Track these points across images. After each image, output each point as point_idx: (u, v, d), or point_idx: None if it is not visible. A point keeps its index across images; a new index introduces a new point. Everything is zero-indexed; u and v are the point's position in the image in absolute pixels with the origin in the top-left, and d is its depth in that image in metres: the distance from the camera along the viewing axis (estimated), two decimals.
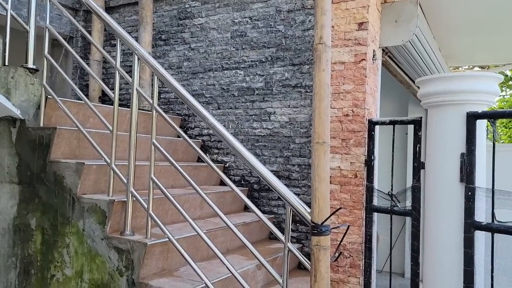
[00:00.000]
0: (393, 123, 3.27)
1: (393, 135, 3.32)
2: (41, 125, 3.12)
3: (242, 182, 4.03)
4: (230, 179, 3.93)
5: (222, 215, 2.42)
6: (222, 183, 4.14)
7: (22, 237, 3.10)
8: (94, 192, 2.96)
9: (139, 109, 3.85)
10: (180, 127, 4.42)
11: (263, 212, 3.88)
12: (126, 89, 4.74)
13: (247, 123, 4.04)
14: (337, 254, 3.26)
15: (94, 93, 4.60)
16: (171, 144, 3.95)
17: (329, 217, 1.93)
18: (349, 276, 3.47)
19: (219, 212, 2.44)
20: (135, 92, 2.75)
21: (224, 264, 2.36)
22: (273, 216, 3.89)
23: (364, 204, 3.41)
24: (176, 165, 2.62)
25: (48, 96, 3.18)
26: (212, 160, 4.21)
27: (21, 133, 3.17)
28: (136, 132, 2.77)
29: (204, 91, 4.30)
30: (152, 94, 2.71)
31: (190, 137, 4.34)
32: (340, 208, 3.35)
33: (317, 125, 1.96)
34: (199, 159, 4.29)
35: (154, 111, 2.69)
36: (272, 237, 3.89)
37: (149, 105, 4.48)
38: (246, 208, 4.03)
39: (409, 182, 3.74)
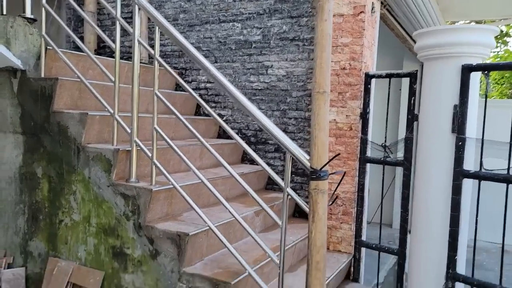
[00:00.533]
0: (389, 76, 3.34)
1: (389, 88, 3.40)
2: (42, 75, 3.14)
3: (239, 135, 4.13)
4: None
5: (225, 164, 2.53)
6: (220, 136, 4.24)
7: (29, 185, 3.21)
8: (98, 142, 3.05)
9: (141, 62, 3.86)
10: None
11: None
12: (121, 41, 4.70)
13: (244, 76, 4.07)
14: (334, 198, 3.43)
15: (89, 46, 4.56)
16: (169, 97, 3.99)
17: (328, 162, 2.05)
18: (341, 223, 3.67)
19: (222, 161, 2.55)
20: (136, 43, 2.77)
21: (227, 208, 2.50)
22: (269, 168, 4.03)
23: (358, 155, 3.55)
24: (179, 115, 2.70)
25: (48, 47, 3.18)
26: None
27: (22, 84, 3.19)
28: (138, 84, 2.81)
29: (201, 44, 4.28)
30: (154, 45, 2.73)
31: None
32: (339, 154, 3.49)
33: (318, 75, 2.03)
34: (197, 113, 4.36)
35: (156, 62, 2.72)
36: (268, 188, 4.05)
37: (145, 58, 4.48)
38: (243, 160, 4.16)
39: (402, 135, 3.87)
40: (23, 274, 3.18)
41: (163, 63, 2.71)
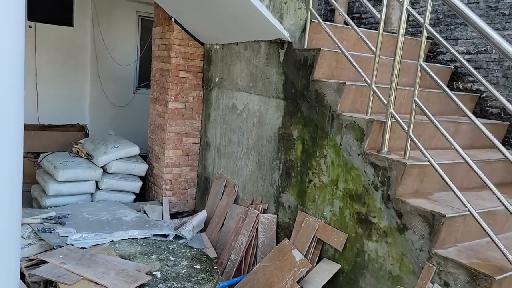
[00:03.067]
0: None
1: None
2: (305, 47, 3.43)
3: (502, 115, 3.59)
4: (487, 111, 3.56)
5: (499, 146, 2.24)
6: (475, 114, 3.79)
7: (285, 144, 3.63)
8: (350, 111, 3.16)
9: (386, 31, 3.78)
10: (429, 52, 4.16)
11: None
12: (370, 12, 4.70)
13: None
14: None
15: (339, 18, 4.72)
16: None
17: None
18: None
19: (496, 142, 2.26)
20: (404, 11, 2.68)
21: (495, 195, 2.23)
22: None
23: None
24: (446, 89, 2.51)
25: (312, 20, 3.43)
26: (465, 89, 3.86)
27: (287, 55, 3.57)
28: (401, 56, 2.74)
29: None
30: (425, 11, 2.58)
31: (440, 62, 4.05)
32: None
33: None
34: (448, 86, 4.00)
35: (425, 30, 2.57)
36: None
37: (396, 28, 4.33)
38: (504, 145, 3.62)
39: None
40: (274, 221, 3.68)
41: (433, 31, 2.54)
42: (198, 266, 2.80)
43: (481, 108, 3.77)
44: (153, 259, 2.83)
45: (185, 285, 2.53)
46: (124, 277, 2.43)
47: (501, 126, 3.60)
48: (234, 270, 3.67)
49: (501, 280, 2.18)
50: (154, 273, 2.63)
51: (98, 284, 2.36)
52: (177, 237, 3.64)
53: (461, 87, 3.96)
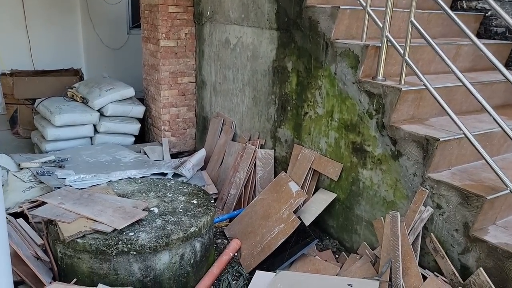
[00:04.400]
0: None
1: None
2: None
3: (507, 34, 3.41)
4: (491, 31, 3.38)
5: (499, 65, 2.13)
6: (479, 35, 3.61)
7: (279, 78, 3.53)
8: (345, 38, 3.02)
9: None
10: None
11: None
12: None
13: None
14: None
15: None
16: None
17: None
18: None
19: (496, 62, 2.15)
20: None
21: (492, 116, 2.16)
22: None
23: None
24: (445, 7, 2.34)
25: None
26: (469, 9, 3.65)
27: None
28: None
29: None
30: None
31: None
32: None
33: None
34: (451, 6, 3.78)
35: None
36: None
37: None
38: (508, 65, 3.49)
39: None
40: (272, 155, 3.68)
41: None
42: (195, 201, 2.85)
43: (485, 28, 3.57)
44: (151, 196, 2.88)
45: (182, 219, 2.58)
46: (121, 214, 2.48)
47: (505, 46, 3.43)
48: (234, 204, 3.75)
49: (493, 200, 2.18)
50: (151, 209, 2.68)
51: (96, 221, 2.42)
52: (176, 175, 3.68)
53: (465, 6, 3.74)
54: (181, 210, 2.70)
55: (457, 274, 2.28)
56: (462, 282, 2.24)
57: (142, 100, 5.21)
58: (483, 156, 2.21)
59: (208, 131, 4.62)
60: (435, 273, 2.40)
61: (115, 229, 2.38)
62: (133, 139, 4.95)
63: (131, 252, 2.34)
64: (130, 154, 4.03)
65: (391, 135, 2.64)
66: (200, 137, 4.96)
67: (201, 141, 4.93)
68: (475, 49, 3.23)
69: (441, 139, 2.35)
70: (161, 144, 4.83)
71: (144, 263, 2.40)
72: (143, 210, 2.60)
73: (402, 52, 2.58)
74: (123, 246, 2.33)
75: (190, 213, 2.67)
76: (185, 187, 3.09)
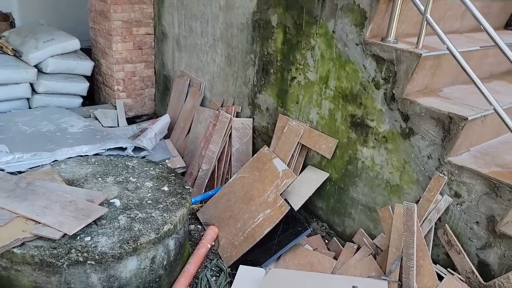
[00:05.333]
0: None
1: None
2: None
3: None
4: None
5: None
6: None
7: (261, 34, 2.96)
8: None
9: None
10: None
11: None
12: None
13: None
14: None
15: None
16: None
17: None
18: None
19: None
20: None
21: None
22: None
23: None
24: None
25: None
26: None
27: None
28: None
29: None
30: None
31: None
32: None
33: None
34: None
35: None
36: None
37: None
38: (509, 25, 3.15)
39: None
40: (250, 125, 3.19)
41: None
42: (166, 188, 2.33)
43: None
44: (110, 183, 2.32)
45: (152, 214, 2.07)
46: (72, 212, 1.92)
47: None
48: (207, 180, 3.27)
49: None
50: (112, 201, 2.14)
51: (39, 222, 1.85)
52: (137, 149, 3.10)
53: None
54: (149, 202, 2.18)
55: (476, 273, 2.00)
56: (484, 282, 1.96)
57: (89, 54, 4.42)
58: None
59: (171, 93, 4.00)
60: (448, 269, 2.12)
61: (65, 234, 1.84)
62: (80, 100, 4.23)
63: (89, 262, 1.83)
64: (79, 122, 3.36)
65: (402, 110, 2.23)
66: (161, 98, 4.32)
67: (162, 103, 4.30)
68: (484, 4, 2.85)
69: (469, 118, 1.97)
70: (115, 106, 4.15)
71: (106, 272, 1.90)
72: (101, 204, 2.05)
73: (422, 8, 2.11)
74: (77, 256, 1.80)
75: (161, 206, 2.16)
76: (151, 168, 2.55)
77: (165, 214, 2.08)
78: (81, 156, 2.65)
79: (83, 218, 1.89)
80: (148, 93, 4.35)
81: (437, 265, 2.17)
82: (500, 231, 1.92)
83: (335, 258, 2.50)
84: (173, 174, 2.50)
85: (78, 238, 1.86)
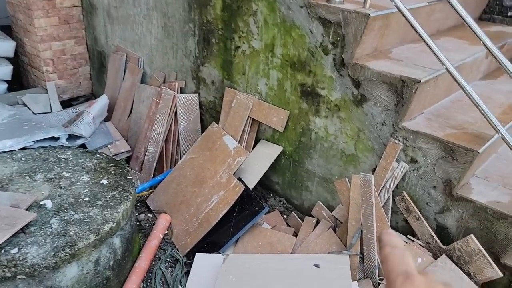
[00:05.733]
0: None
1: None
2: None
3: None
4: None
5: None
6: None
7: (198, 0, 2.70)
8: None
9: None
10: None
11: None
12: None
13: None
14: None
15: None
16: None
17: None
18: None
19: None
20: None
21: (486, 46, 1.71)
22: None
23: None
24: None
25: None
26: None
27: None
28: None
29: None
30: None
31: None
32: None
33: None
34: None
35: None
36: (485, 18, 3.02)
37: None
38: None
39: None
40: (196, 101, 2.97)
41: None
42: (105, 181, 2.10)
43: None
44: (39, 181, 2.05)
45: (90, 214, 1.85)
46: None
47: None
48: (155, 164, 3.05)
49: (487, 151, 1.83)
50: (42, 203, 1.89)
51: None
52: (73, 137, 2.80)
53: None
54: (86, 199, 1.95)
55: (435, 238, 1.97)
56: (443, 246, 1.95)
57: (9, 32, 3.94)
58: (471, 98, 1.79)
59: (108, 71, 3.66)
60: (408, 236, 2.09)
61: None
62: (5, 85, 3.79)
63: (19, 277, 1.61)
64: (3, 111, 2.98)
65: (353, 76, 2.10)
66: (97, 77, 3.96)
67: (99, 82, 3.94)
68: None
69: (422, 80, 1.87)
70: (46, 90, 3.76)
71: (42, 284, 1.69)
72: (29, 208, 1.80)
73: None
74: (3, 272, 1.58)
75: (100, 202, 1.94)
76: (88, 159, 2.29)
77: (105, 212, 1.87)
78: (5, 152, 2.33)
79: (7, 228, 1.64)
80: (82, 72, 3.97)
81: (397, 232, 2.13)
82: (457, 194, 1.89)
83: (295, 233, 2.42)
84: (113, 164, 2.27)
85: (3, 251, 1.62)
